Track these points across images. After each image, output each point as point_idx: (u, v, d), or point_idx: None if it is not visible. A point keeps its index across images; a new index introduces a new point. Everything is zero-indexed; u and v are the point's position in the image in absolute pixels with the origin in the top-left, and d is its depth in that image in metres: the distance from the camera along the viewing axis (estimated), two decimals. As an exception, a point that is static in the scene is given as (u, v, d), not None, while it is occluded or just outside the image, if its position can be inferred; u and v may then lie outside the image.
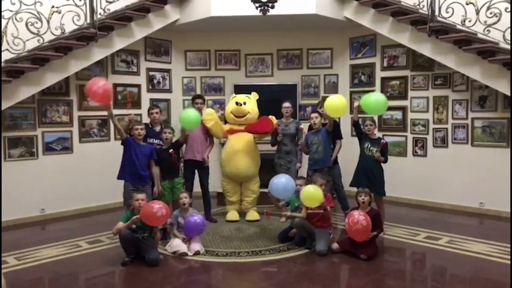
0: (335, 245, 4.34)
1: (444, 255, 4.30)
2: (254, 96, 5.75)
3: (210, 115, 5.40)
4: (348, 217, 4.15)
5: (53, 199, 5.85)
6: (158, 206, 3.99)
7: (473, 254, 4.25)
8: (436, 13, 5.27)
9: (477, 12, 4.98)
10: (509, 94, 5.01)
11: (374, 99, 4.50)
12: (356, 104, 4.86)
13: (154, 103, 6.53)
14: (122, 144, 4.67)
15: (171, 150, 4.94)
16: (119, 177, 4.65)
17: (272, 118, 5.50)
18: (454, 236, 4.81)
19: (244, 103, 5.55)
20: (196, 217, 4.40)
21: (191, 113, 4.89)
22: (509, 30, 4.77)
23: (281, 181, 4.49)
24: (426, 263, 4.30)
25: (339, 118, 6.84)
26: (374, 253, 4.19)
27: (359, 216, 4.05)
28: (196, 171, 5.53)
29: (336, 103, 4.49)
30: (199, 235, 4.49)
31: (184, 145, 5.36)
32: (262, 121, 5.50)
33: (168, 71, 7.08)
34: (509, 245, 4.32)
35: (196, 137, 5.37)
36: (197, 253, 4.32)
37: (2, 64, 4.85)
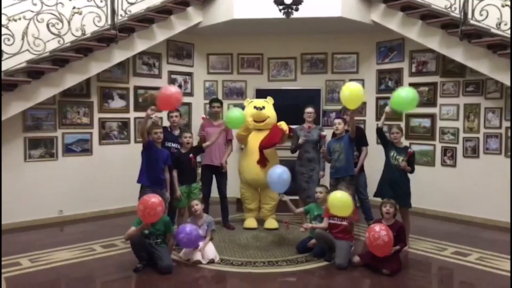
0: (356, 258, 4.11)
1: (473, 272, 4.02)
2: (270, 100, 5.61)
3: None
4: (368, 231, 3.93)
5: (71, 201, 5.82)
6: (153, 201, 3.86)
7: (505, 273, 3.94)
8: (469, 16, 5.01)
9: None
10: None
11: (405, 94, 4.26)
12: (388, 109, 4.63)
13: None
14: (143, 146, 4.56)
15: (191, 155, 4.82)
16: (139, 181, 4.56)
17: (282, 124, 5.35)
18: (485, 252, 4.51)
19: (263, 107, 5.40)
20: (182, 234, 4.13)
21: (238, 112, 4.86)
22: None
23: (275, 172, 4.41)
24: (453, 280, 4.03)
25: (364, 125, 6.67)
26: (397, 268, 3.95)
27: (380, 231, 3.82)
28: (214, 176, 5.40)
29: (351, 93, 4.29)
30: (212, 242, 4.35)
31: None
32: (272, 132, 5.35)
33: (190, 74, 7.00)
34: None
35: (217, 141, 5.25)
36: (211, 261, 4.17)
37: (23, 64, 4.86)
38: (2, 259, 4.05)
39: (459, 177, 6.01)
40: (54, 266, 4.10)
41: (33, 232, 5.24)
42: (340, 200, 4.07)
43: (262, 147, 5.30)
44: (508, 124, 5.54)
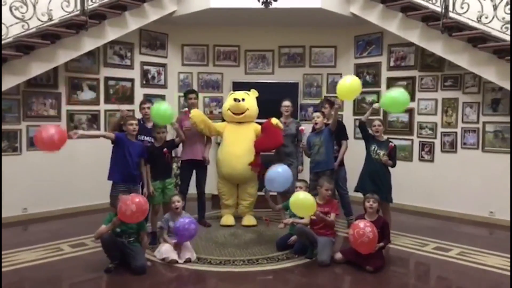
0: (338, 255, 3.99)
1: (456, 268, 3.96)
2: (254, 93, 5.41)
3: (198, 117, 5.01)
4: (353, 228, 3.80)
5: (36, 198, 5.49)
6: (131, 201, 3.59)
7: (489, 268, 3.90)
8: (450, 8, 4.95)
9: (495, 8, 4.66)
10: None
11: (397, 94, 4.18)
12: (376, 106, 4.54)
13: (147, 98, 6.17)
14: (112, 143, 4.29)
15: (165, 149, 4.59)
16: (109, 178, 4.28)
17: (274, 120, 5.06)
18: (465, 247, 4.47)
19: (243, 99, 5.20)
20: (188, 220, 4.03)
21: (164, 107, 4.40)
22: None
23: (277, 171, 4.19)
24: (437, 276, 3.94)
25: (342, 118, 6.56)
26: (381, 264, 3.85)
27: (365, 228, 3.70)
28: (194, 171, 5.19)
29: (350, 85, 4.14)
30: (190, 241, 4.14)
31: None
32: (269, 133, 5.04)
33: (163, 65, 6.74)
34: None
35: (195, 135, 5.04)
36: (188, 260, 3.96)
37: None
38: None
39: (437, 172, 5.99)
40: (17, 268, 3.81)
41: (-5, 231, 4.89)
42: (303, 201, 3.92)
43: (262, 150, 5.08)
44: (485, 119, 5.54)
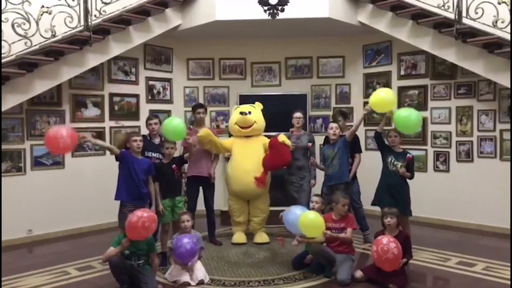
0: (358, 273, 3.79)
1: (484, 285, 3.75)
2: (258, 105, 5.27)
3: (205, 138, 4.85)
4: (376, 244, 3.60)
5: (41, 219, 5.31)
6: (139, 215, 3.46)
7: (520, 284, 3.70)
8: (464, 14, 4.82)
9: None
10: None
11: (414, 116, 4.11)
12: (389, 114, 4.39)
13: (153, 113, 6.04)
14: (117, 160, 4.14)
15: (174, 166, 4.43)
16: (116, 198, 4.10)
17: (281, 137, 4.84)
18: (490, 261, 4.27)
19: (249, 112, 5.05)
20: (184, 240, 3.79)
21: (176, 122, 4.33)
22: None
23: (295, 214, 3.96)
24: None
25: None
26: (404, 282, 3.66)
27: (389, 243, 3.51)
28: (200, 188, 5.02)
29: (385, 97, 4.13)
30: (201, 260, 3.96)
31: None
32: (276, 150, 4.83)
33: (169, 80, 6.62)
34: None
35: (201, 151, 4.88)
36: (200, 282, 3.78)
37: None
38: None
39: (453, 182, 5.80)
40: (22, 294, 3.64)
41: (-1, 255, 4.72)
42: (312, 221, 3.76)
43: (270, 168, 4.92)
44: (502, 126, 5.37)
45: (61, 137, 3.49)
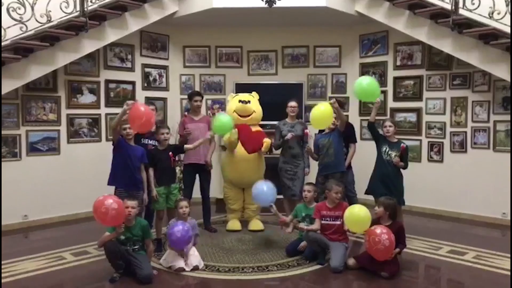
0: (351, 261, 3.84)
1: (474, 272, 3.81)
2: (255, 95, 5.29)
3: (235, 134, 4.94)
4: (368, 234, 3.65)
5: (37, 204, 5.34)
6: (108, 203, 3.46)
7: (507, 272, 3.75)
8: (460, 5, 4.83)
9: (508, 3, 4.53)
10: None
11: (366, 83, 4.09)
12: (378, 100, 4.40)
13: (149, 100, 6.05)
14: (114, 144, 4.13)
15: (170, 153, 4.43)
16: (110, 183, 4.10)
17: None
18: (481, 250, 4.33)
19: (249, 101, 5.06)
20: (178, 226, 3.82)
21: (224, 119, 4.47)
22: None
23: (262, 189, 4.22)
24: (455, 282, 3.81)
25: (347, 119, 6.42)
26: (396, 270, 3.70)
27: (381, 235, 3.55)
28: (197, 175, 5.04)
29: (322, 112, 4.13)
30: (195, 246, 4.00)
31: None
32: (246, 134, 5.00)
33: (165, 68, 6.60)
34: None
35: (197, 139, 4.88)
36: (195, 268, 3.82)
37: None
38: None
39: (446, 173, 5.86)
40: (18, 279, 3.65)
41: (-6, 240, 4.74)
42: (358, 215, 3.75)
43: (254, 149, 4.98)
44: (496, 117, 5.41)
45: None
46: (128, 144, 4.10)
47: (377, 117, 4.65)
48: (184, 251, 3.86)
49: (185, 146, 4.62)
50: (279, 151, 5.18)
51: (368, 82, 4.09)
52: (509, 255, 4.12)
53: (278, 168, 5.15)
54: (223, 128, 4.48)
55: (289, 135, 4.88)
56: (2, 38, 4.45)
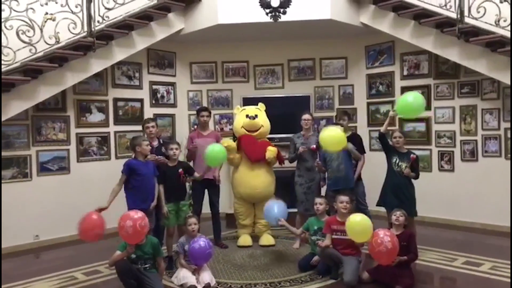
0: (365, 275, 3.79)
1: (492, 285, 3.74)
2: (262, 107, 5.28)
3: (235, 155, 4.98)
4: (372, 235, 3.61)
5: (48, 224, 5.34)
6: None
7: (526, 283, 3.69)
8: (466, 13, 4.82)
9: (514, 10, 4.52)
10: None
11: (412, 99, 3.95)
12: (392, 114, 4.39)
13: (151, 117, 6.03)
14: (126, 174, 4.07)
15: (180, 170, 4.42)
16: (131, 208, 3.97)
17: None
18: (496, 260, 4.26)
19: (256, 115, 5.06)
20: (201, 241, 3.83)
21: (218, 149, 4.36)
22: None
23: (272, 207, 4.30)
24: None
25: (356, 130, 6.38)
26: (410, 283, 3.65)
27: (384, 237, 3.50)
28: (206, 191, 5.04)
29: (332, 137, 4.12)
30: (208, 263, 3.97)
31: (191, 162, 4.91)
32: (249, 144, 5.03)
33: (172, 84, 6.64)
34: None
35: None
36: (207, 285, 3.77)
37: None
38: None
39: (457, 182, 5.79)
40: (30, 300, 3.66)
41: (6, 260, 4.71)
42: (360, 224, 3.70)
43: (258, 158, 5.00)
44: (507, 125, 5.36)
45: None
46: (140, 162, 4.10)
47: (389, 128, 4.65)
48: (197, 268, 3.84)
49: (195, 174, 4.56)
50: (292, 164, 5.18)
51: (414, 96, 3.99)
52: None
53: (294, 182, 5.12)
54: (217, 158, 4.36)
55: (300, 149, 4.87)
56: (12, 60, 4.51)
